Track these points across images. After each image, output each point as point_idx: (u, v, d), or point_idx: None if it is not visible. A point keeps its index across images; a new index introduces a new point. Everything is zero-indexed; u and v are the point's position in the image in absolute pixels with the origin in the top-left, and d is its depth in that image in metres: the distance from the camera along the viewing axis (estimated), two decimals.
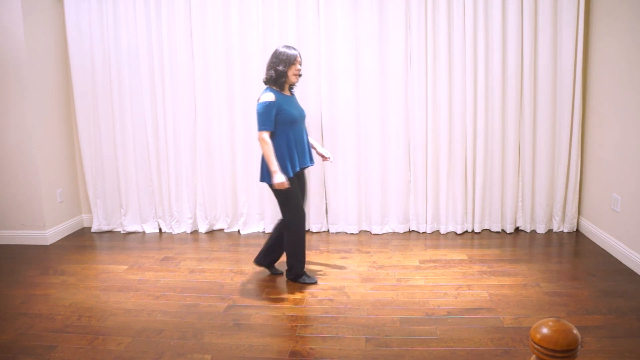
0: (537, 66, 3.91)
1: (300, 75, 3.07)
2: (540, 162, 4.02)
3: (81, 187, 4.58)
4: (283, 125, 2.97)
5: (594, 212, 3.87)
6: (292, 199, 3.04)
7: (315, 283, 3.21)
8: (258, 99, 2.99)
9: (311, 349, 2.44)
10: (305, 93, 4.09)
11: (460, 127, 4.02)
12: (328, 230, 4.31)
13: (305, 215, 3.15)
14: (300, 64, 3.03)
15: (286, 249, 3.18)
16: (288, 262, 3.20)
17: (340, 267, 3.48)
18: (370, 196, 4.19)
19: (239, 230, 4.35)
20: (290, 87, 3.15)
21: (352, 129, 4.09)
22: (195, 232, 4.40)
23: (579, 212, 4.11)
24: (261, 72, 4.06)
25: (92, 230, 4.47)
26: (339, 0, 3.94)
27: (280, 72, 2.96)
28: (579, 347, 1.05)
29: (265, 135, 2.92)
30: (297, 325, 2.67)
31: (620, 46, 3.40)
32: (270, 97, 2.92)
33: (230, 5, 4.03)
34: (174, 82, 4.18)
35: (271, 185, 2.99)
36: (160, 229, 4.46)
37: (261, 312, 2.85)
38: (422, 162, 4.09)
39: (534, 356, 1.09)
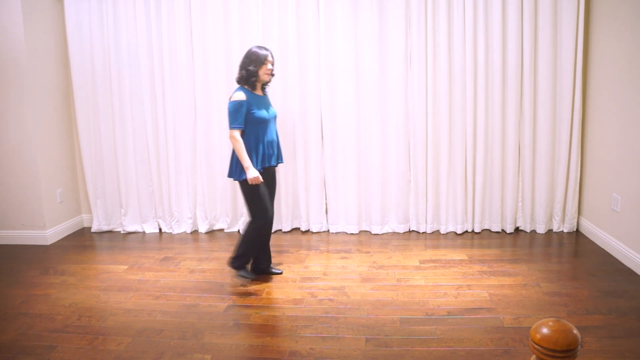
0: (537, 66, 3.90)
1: (272, 75, 3.14)
2: (540, 162, 4.02)
3: (81, 187, 4.58)
4: (252, 124, 3.03)
5: (594, 212, 3.87)
6: (258, 198, 3.10)
7: (251, 280, 3.26)
8: (230, 98, 3.05)
9: (311, 349, 2.44)
10: (305, 93, 4.09)
11: (460, 127, 4.02)
12: (328, 230, 4.31)
13: (273, 217, 3.21)
14: (272, 64, 3.10)
15: (244, 239, 3.21)
16: (238, 250, 3.23)
17: (340, 267, 3.48)
18: (370, 196, 4.19)
19: (239, 230, 4.35)
20: (263, 87, 3.20)
21: (352, 129, 4.10)
22: (195, 232, 4.40)
23: (579, 212, 4.11)
24: None
25: (92, 230, 4.47)
26: (339, 0, 3.94)
27: (251, 71, 3.04)
28: (579, 347, 1.05)
29: (236, 133, 3.01)
30: (297, 325, 2.67)
31: (620, 46, 3.40)
32: (241, 96, 3.00)
33: (230, 5, 4.03)
34: (174, 82, 4.18)
35: (241, 182, 3.07)
36: (160, 229, 4.46)
37: (261, 312, 2.85)
38: (422, 162, 4.09)
39: (534, 356, 1.09)
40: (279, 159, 3.27)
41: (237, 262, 3.26)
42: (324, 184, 4.24)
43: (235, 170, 3.08)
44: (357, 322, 2.69)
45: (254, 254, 3.27)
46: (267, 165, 3.13)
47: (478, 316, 2.71)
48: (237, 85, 3.13)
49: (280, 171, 4.20)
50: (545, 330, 1.05)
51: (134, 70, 4.20)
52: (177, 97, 4.20)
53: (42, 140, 4.09)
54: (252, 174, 2.99)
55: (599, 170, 3.76)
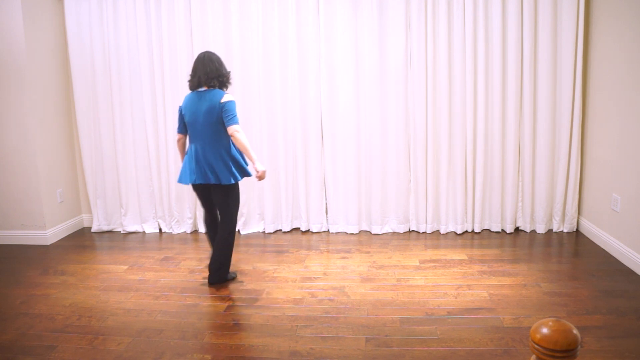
0: (537, 66, 3.90)
1: None
2: (540, 162, 4.02)
3: (81, 187, 4.58)
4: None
5: (594, 212, 3.87)
6: (238, 204, 3.15)
7: (235, 277, 3.30)
8: (220, 100, 2.93)
9: (311, 349, 2.44)
10: (305, 93, 4.09)
11: (460, 127, 4.02)
12: (328, 230, 4.31)
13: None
14: None
15: (225, 252, 3.15)
16: (221, 261, 3.16)
17: (340, 267, 3.48)
18: (370, 196, 4.19)
19: (239, 230, 4.35)
20: None
21: (352, 129, 4.09)
22: (195, 232, 4.40)
23: (579, 212, 4.11)
24: (261, 72, 4.07)
25: (92, 230, 4.47)
26: (339, 0, 3.94)
27: (229, 72, 3.08)
28: (579, 347, 1.05)
29: (240, 127, 2.97)
30: (297, 325, 2.68)
31: (620, 46, 3.40)
32: (233, 96, 3.08)
33: (230, 5, 4.03)
34: (174, 82, 4.17)
35: (232, 186, 3.02)
36: (160, 229, 4.46)
37: (261, 312, 2.85)
38: (422, 162, 4.09)
39: (534, 356, 1.09)
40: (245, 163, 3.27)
41: (224, 273, 3.21)
42: (324, 184, 4.24)
43: (230, 172, 2.97)
44: (357, 322, 2.69)
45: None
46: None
47: (478, 316, 2.71)
48: (221, 91, 3.01)
49: (281, 171, 4.20)
50: (545, 330, 1.05)
51: (134, 70, 4.20)
52: (177, 97, 4.19)
53: (42, 140, 4.09)
54: (262, 167, 2.95)
55: (599, 170, 3.76)
